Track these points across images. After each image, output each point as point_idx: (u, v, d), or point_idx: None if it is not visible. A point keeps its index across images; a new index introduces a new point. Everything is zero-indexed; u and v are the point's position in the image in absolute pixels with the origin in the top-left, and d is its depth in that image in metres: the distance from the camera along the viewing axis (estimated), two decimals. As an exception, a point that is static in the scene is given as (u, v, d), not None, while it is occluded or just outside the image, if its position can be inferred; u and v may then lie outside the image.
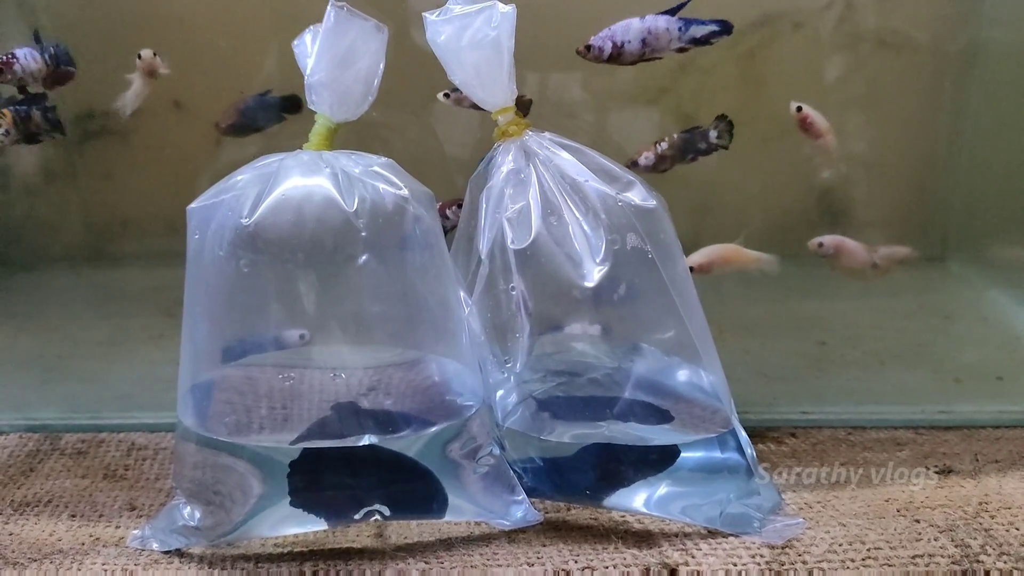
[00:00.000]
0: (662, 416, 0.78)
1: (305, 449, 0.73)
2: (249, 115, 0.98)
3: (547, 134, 0.80)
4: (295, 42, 0.78)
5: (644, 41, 0.88)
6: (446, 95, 0.90)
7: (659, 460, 0.76)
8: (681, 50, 0.89)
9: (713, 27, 0.89)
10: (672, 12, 0.88)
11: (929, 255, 1.25)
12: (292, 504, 0.72)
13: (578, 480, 0.78)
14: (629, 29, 0.88)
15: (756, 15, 1.11)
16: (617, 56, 0.88)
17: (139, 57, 0.96)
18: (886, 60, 1.16)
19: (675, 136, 0.94)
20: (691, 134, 0.94)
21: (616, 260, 0.76)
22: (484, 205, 0.78)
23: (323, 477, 0.73)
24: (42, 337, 1.13)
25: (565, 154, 0.78)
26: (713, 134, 0.94)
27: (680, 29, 0.88)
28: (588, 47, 0.88)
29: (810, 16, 1.12)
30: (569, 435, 0.78)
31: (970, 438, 0.94)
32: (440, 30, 0.77)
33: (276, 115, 0.99)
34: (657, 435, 0.78)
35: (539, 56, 1.02)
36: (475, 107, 0.82)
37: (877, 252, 1.03)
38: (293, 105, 0.97)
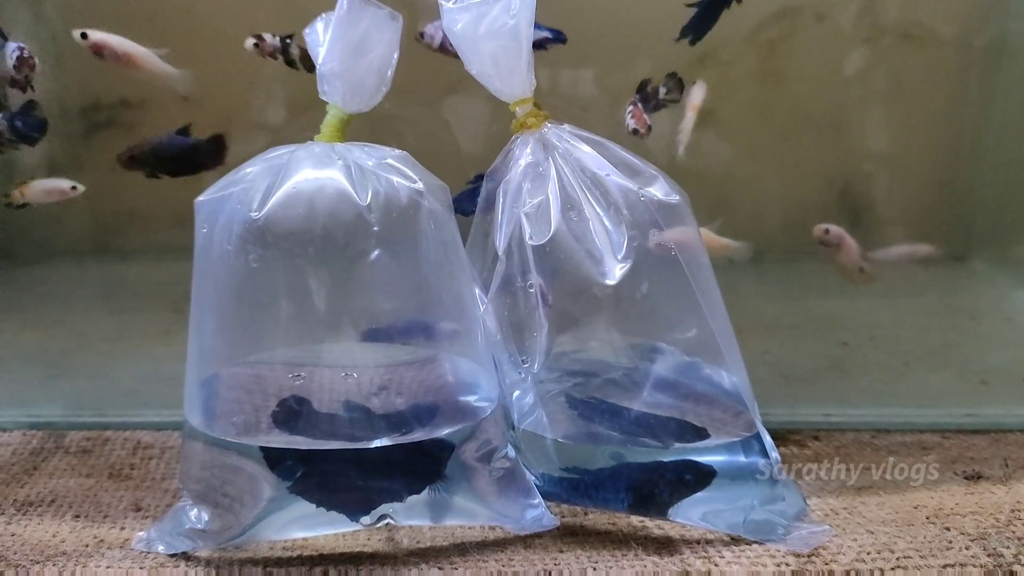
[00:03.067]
0: (698, 433, 0.76)
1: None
2: (155, 155, 0.95)
3: (566, 126, 0.79)
4: (306, 30, 0.76)
5: None
6: (255, 44, 0.89)
7: (695, 482, 0.74)
8: None
9: (547, 34, 0.88)
10: None
11: (953, 253, 1.24)
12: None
13: (609, 499, 0.76)
14: None
15: (777, 7, 1.09)
16: (449, 47, 0.85)
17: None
18: (910, 54, 1.14)
19: (633, 97, 0.92)
20: (643, 92, 0.92)
21: (638, 257, 0.74)
22: (501, 200, 0.77)
23: (331, 479, 0.72)
24: (47, 332, 1.12)
25: (585, 147, 0.77)
26: (662, 91, 0.92)
27: None
28: (421, 34, 0.88)
29: (832, 8, 1.10)
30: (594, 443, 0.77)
31: (998, 442, 0.93)
32: (457, 18, 0.75)
33: (189, 162, 0.95)
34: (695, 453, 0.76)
35: (554, 48, 1.01)
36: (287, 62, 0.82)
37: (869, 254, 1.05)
38: (212, 150, 0.94)
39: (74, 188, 0.98)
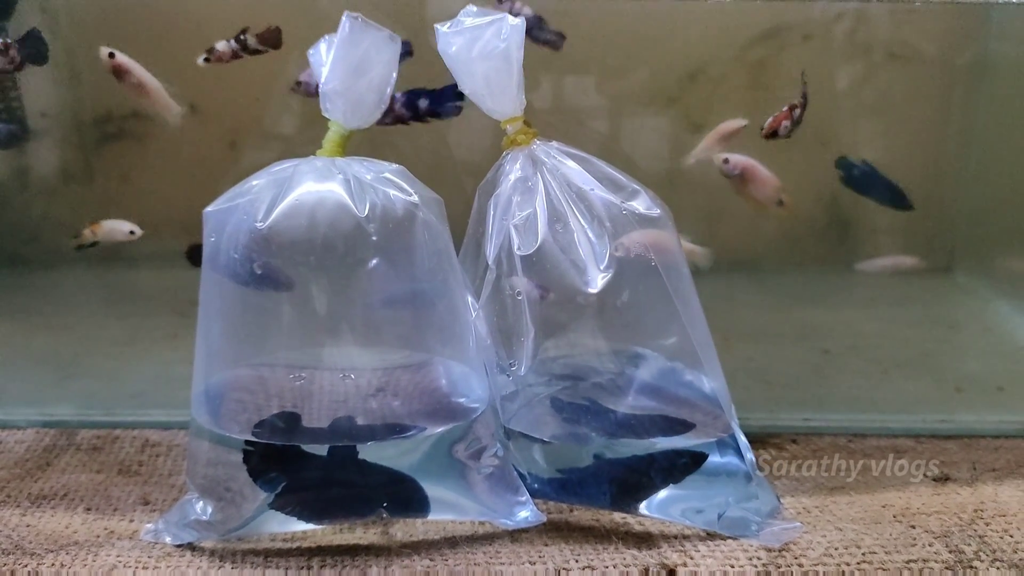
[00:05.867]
0: (684, 426, 0.79)
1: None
2: None
3: (554, 143, 0.81)
4: (310, 51, 0.79)
5: None
6: (206, 59, 0.92)
7: (692, 463, 0.78)
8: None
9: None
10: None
11: (935, 265, 1.26)
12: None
13: (593, 495, 0.79)
14: None
15: (766, 26, 1.12)
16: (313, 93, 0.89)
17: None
18: (895, 72, 1.17)
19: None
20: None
21: (620, 267, 0.77)
22: (492, 212, 0.80)
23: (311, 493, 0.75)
24: (58, 335, 1.14)
25: (571, 163, 0.80)
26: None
27: None
28: (298, 83, 0.92)
29: (819, 27, 1.12)
30: (579, 444, 0.80)
31: (969, 447, 0.95)
32: (451, 41, 0.78)
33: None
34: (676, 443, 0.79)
35: (548, 65, 1.04)
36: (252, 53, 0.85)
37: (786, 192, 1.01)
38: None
39: (132, 233, 0.99)
